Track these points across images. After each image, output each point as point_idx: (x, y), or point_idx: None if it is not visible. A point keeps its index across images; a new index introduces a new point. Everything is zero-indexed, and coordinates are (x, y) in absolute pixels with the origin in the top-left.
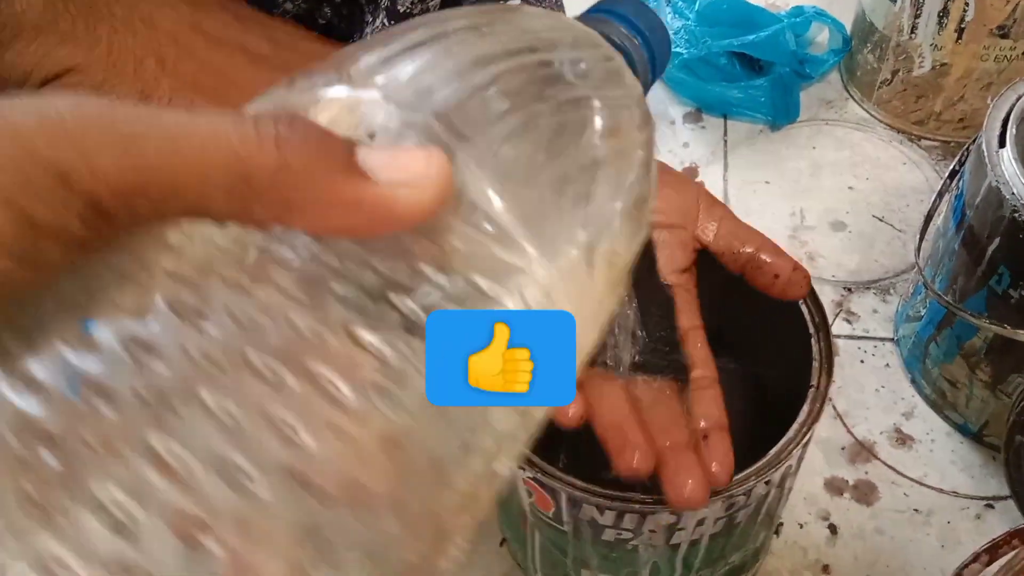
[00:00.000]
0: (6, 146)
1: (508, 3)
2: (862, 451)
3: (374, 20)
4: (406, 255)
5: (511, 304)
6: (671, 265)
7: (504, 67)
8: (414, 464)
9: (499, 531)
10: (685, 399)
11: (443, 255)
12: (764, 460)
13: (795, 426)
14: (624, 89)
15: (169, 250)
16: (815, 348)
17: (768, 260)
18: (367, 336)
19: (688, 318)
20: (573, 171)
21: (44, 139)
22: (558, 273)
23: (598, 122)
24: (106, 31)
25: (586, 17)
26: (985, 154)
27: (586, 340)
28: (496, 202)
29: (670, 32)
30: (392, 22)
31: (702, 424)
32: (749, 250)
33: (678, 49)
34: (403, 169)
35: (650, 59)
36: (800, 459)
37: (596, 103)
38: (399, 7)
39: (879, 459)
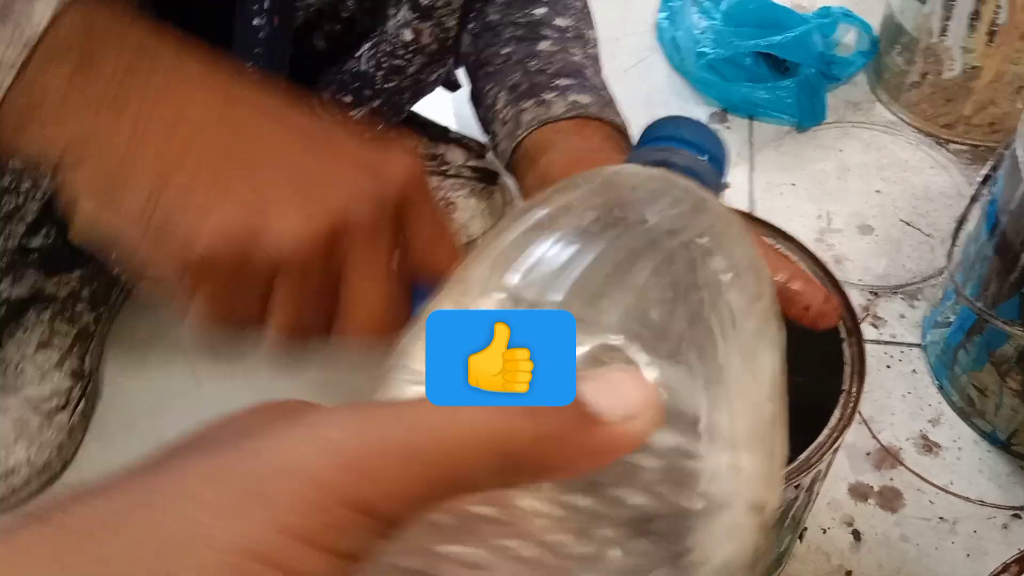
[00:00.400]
0: (308, 491)
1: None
2: (887, 457)
3: (396, 13)
4: (638, 480)
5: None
6: None
7: (652, 262)
8: None
9: None
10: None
11: (668, 473)
12: (794, 464)
13: (826, 431)
14: (743, 247)
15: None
16: (847, 352)
17: (799, 290)
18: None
19: None
20: (748, 345)
21: (344, 480)
22: (760, 456)
23: (743, 292)
24: (132, 118)
25: (665, 150)
26: (1019, 159)
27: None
28: (712, 412)
29: (698, 32)
30: (416, 15)
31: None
32: (780, 279)
33: (704, 49)
34: (623, 399)
35: (718, 174)
36: (830, 464)
37: (729, 276)
38: (422, 0)
39: (905, 466)
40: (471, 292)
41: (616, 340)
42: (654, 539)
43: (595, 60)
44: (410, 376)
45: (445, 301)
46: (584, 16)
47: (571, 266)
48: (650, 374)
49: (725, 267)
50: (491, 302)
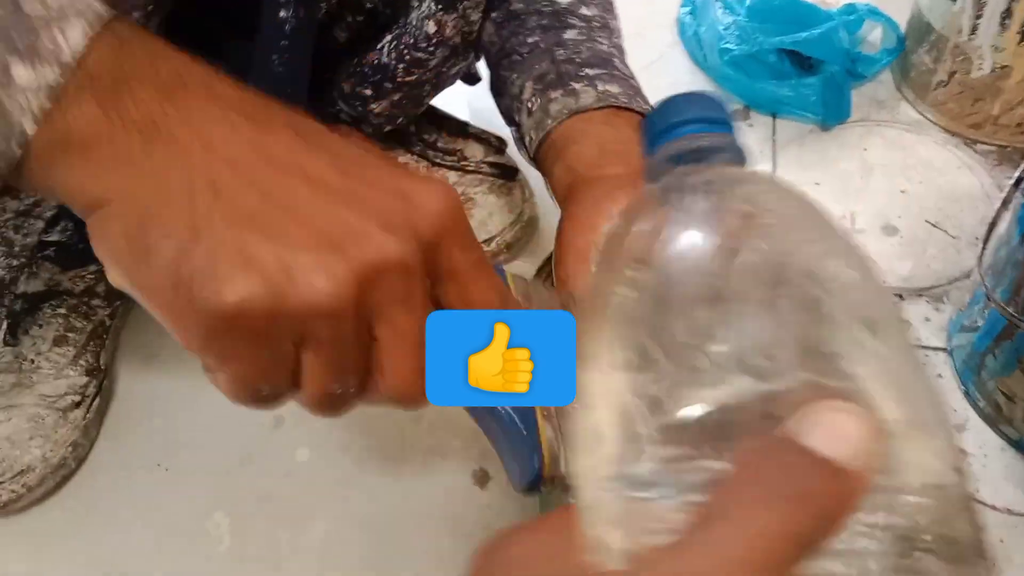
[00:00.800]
0: None
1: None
2: None
3: (420, 4)
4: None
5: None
6: None
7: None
8: None
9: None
10: None
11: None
12: None
13: None
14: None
15: None
16: None
17: None
18: None
19: None
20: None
21: None
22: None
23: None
24: (162, 154)
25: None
26: None
27: None
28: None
29: (722, 28)
30: (439, 7)
31: None
32: None
33: (727, 45)
34: (845, 442)
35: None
36: None
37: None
38: None
39: None
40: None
41: (799, 379)
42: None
43: (621, 50)
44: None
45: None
46: (608, 6)
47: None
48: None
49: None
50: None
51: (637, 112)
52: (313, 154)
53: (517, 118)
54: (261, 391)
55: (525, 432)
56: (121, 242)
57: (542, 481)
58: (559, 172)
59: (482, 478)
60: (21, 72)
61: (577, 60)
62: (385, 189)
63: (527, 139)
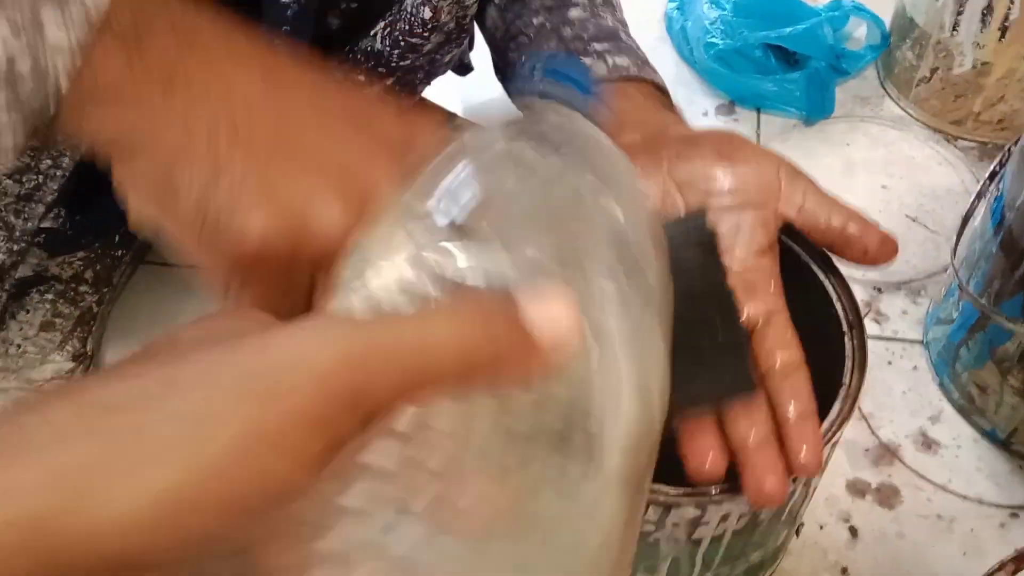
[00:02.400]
0: (313, 383)
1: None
2: (886, 454)
3: None
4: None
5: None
6: (751, 247)
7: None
8: None
9: None
10: (771, 384)
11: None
12: None
13: (825, 424)
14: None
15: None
16: (848, 346)
17: (858, 234)
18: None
19: (769, 300)
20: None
21: (343, 374)
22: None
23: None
24: (183, 99)
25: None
26: None
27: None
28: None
29: (708, 23)
30: None
31: (790, 410)
32: (837, 224)
33: (713, 40)
34: (555, 320)
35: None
36: (828, 458)
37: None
38: None
39: (903, 463)
40: (395, 217)
41: (528, 255)
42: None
43: (625, 24)
44: (362, 291)
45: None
46: None
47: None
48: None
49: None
50: (409, 227)
51: (648, 81)
52: (321, 99)
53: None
54: (280, 312)
55: None
56: (150, 184)
57: None
58: None
59: None
60: (54, 32)
61: (584, 36)
62: (393, 124)
63: None
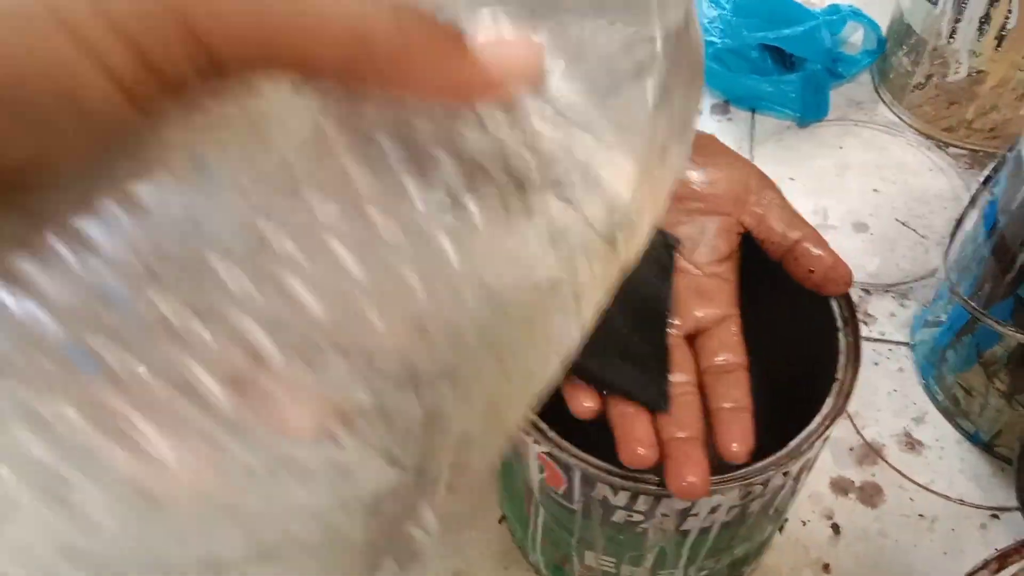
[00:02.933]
0: None
1: None
2: (870, 453)
3: None
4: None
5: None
6: (712, 255)
7: None
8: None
9: (498, 508)
10: (707, 380)
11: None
12: (785, 451)
13: (817, 418)
14: None
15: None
16: (842, 342)
17: (810, 251)
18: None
19: (722, 306)
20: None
21: None
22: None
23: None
24: None
25: None
26: None
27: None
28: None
29: (707, 21)
30: None
31: (724, 404)
32: (792, 238)
33: (711, 39)
34: (505, 54)
35: None
36: (818, 453)
37: None
38: None
39: (887, 462)
40: None
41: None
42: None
43: None
44: None
45: None
46: None
47: None
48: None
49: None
50: None
51: None
52: None
53: None
54: None
55: None
56: None
57: None
58: None
59: None
60: None
61: None
62: None
63: None
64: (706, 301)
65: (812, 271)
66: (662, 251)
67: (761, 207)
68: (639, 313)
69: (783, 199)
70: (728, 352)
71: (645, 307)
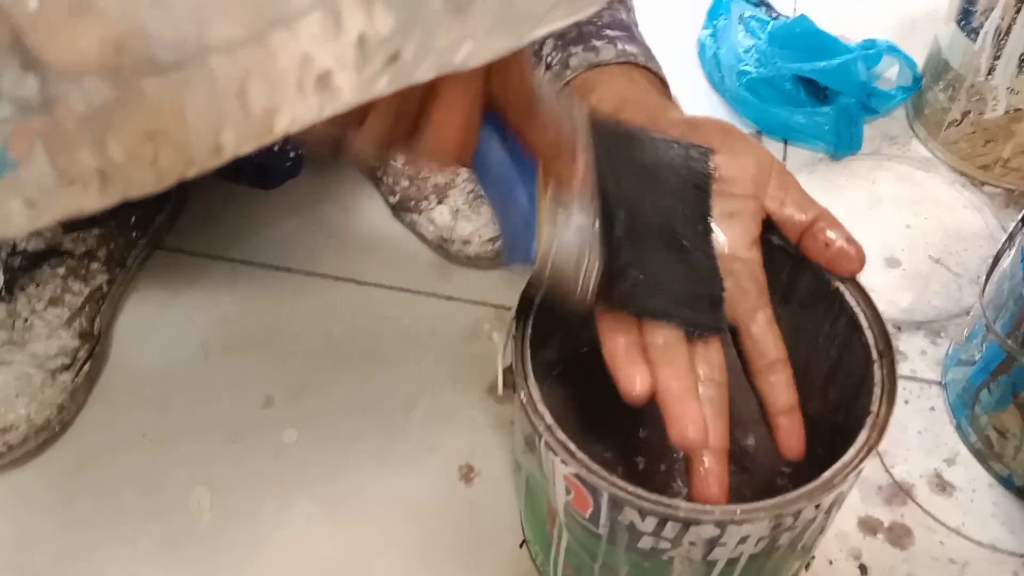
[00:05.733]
0: None
1: None
2: (899, 493)
3: None
4: None
5: None
6: (745, 238)
7: None
8: None
9: (520, 531)
10: (758, 381)
11: None
12: (818, 482)
13: (851, 451)
14: None
15: None
16: (877, 374)
17: (824, 228)
18: None
19: (755, 297)
20: None
21: None
22: None
23: None
24: None
25: None
26: None
27: None
28: None
29: (742, 50)
30: None
31: (779, 405)
32: (811, 217)
33: (746, 67)
34: None
35: None
36: (851, 487)
37: None
38: None
39: (916, 503)
40: None
41: None
42: None
43: (638, 24)
44: None
45: None
46: None
47: None
48: None
49: None
50: None
51: (653, 71)
52: None
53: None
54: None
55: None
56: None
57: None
58: None
59: (468, 473)
60: None
61: (598, 23)
62: None
63: None
64: (740, 292)
65: (828, 244)
66: (698, 161)
67: (783, 192)
68: (684, 228)
69: (799, 185)
70: (771, 351)
71: (687, 223)
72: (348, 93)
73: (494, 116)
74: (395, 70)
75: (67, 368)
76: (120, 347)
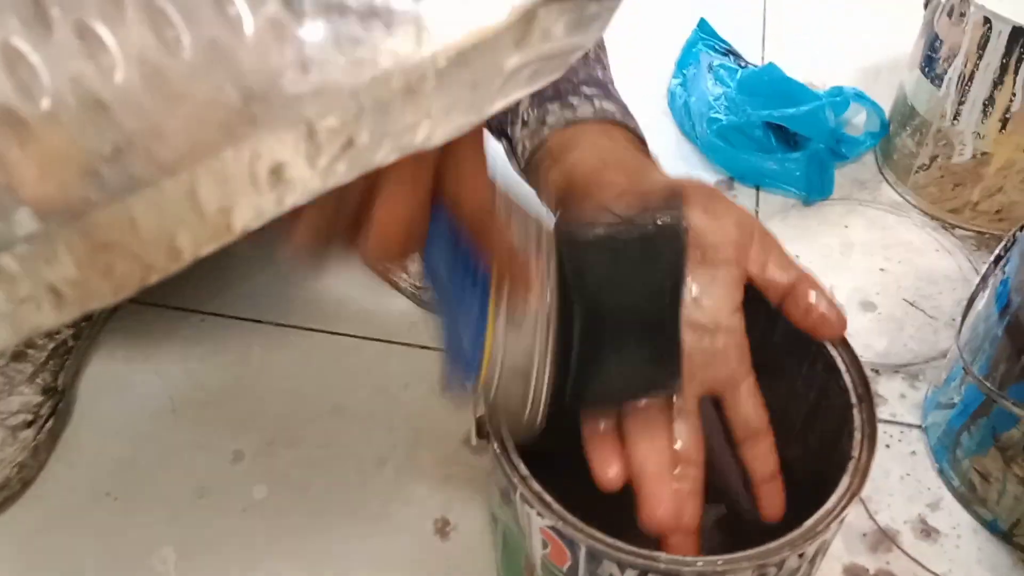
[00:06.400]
0: None
1: None
2: (884, 539)
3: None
4: None
5: None
6: (728, 305)
7: None
8: None
9: None
10: (743, 451)
11: None
12: (800, 531)
13: (833, 498)
14: None
15: None
16: (857, 419)
17: (806, 293)
18: None
19: (736, 366)
20: None
21: None
22: None
23: None
24: None
25: None
26: None
27: None
28: None
29: (712, 98)
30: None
31: (761, 474)
32: (792, 280)
33: (717, 115)
34: None
35: None
36: (834, 535)
37: None
38: None
39: (902, 549)
40: None
41: None
42: None
43: (613, 82)
44: None
45: None
46: (602, 45)
47: None
48: None
49: None
50: None
51: (630, 129)
52: None
53: (509, 131)
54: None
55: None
56: None
57: (474, 382)
58: (555, 177)
59: (443, 527)
60: None
61: (575, 80)
62: None
63: (519, 149)
64: (720, 362)
65: (809, 310)
66: (672, 240)
67: (764, 254)
68: (652, 312)
69: (781, 248)
70: (753, 419)
71: (656, 306)
72: (307, 183)
73: (444, 213)
74: (352, 156)
75: (29, 425)
76: (85, 402)
